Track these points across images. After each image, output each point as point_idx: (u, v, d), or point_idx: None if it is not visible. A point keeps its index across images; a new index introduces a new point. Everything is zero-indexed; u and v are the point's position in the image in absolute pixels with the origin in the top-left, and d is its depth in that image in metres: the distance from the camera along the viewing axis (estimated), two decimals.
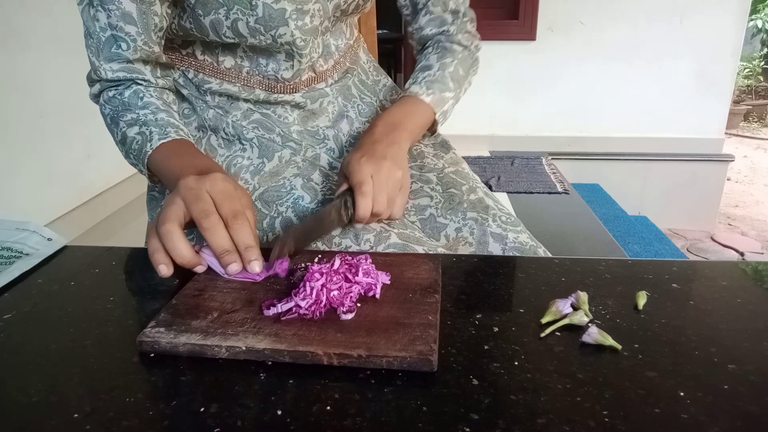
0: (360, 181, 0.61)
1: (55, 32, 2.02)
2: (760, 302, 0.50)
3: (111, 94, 0.67)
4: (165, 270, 0.51)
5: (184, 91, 0.76)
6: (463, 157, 0.89)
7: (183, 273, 0.53)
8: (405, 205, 0.68)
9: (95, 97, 0.70)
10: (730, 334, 0.45)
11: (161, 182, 0.67)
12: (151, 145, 0.62)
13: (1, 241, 0.63)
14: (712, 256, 2.69)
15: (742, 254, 2.76)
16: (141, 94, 0.67)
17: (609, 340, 0.43)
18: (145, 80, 0.68)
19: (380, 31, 1.79)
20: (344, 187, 0.63)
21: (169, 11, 0.67)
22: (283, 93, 0.75)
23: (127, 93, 0.67)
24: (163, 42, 0.68)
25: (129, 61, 0.66)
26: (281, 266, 0.53)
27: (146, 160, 0.63)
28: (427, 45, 0.83)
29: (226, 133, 0.75)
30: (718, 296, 0.51)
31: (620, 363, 0.41)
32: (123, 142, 0.66)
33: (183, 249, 0.51)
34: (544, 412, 0.36)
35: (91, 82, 0.69)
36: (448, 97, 0.76)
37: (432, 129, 0.78)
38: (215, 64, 0.73)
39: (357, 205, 0.61)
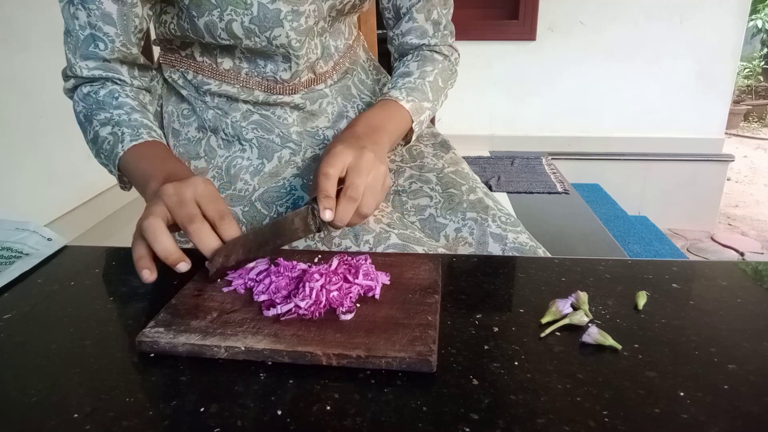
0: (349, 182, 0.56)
1: (55, 32, 2.00)
2: (760, 302, 0.50)
3: (86, 90, 0.67)
4: (147, 275, 0.50)
5: (184, 92, 0.76)
6: (463, 157, 0.89)
7: (183, 273, 0.52)
8: (380, 203, 0.62)
9: (69, 92, 0.70)
10: (730, 334, 0.45)
11: (130, 184, 0.66)
12: (122, 146, 0.62)
13: (1, 241, 0.63)
14: (712, 256, 2.69)
15: (742, 254, 2.76)
16: (116, 94, 0.66)
17: (609, 340, 0.43)
18: (121, 80, 0.68)
19: (380, 31, 1.78)
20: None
21: (150, 13, 0.67)
22: (282, 94, 0.74)
23: (102, 92, 0.67)
24: (142, 43, 0.68)
25: (106, 60, 0.66)
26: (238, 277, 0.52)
27: (117, 162, 0.62)
28: (406, 55, 0.80)
29: (225, 134, 0.75)
30: (718, 296, 0.51)
31: (620, 363, 0.41)
32: (95, 141, 0.65)
33: (166, 242, 0.50)
34: (544, 412, 0.36)
35: (66, 77, 0.69)
36: (426, 107, 0.73)
37: (407, 138, 0.75)
38: (214, 66, 0.73)
39: (338, 204, 0.55)
